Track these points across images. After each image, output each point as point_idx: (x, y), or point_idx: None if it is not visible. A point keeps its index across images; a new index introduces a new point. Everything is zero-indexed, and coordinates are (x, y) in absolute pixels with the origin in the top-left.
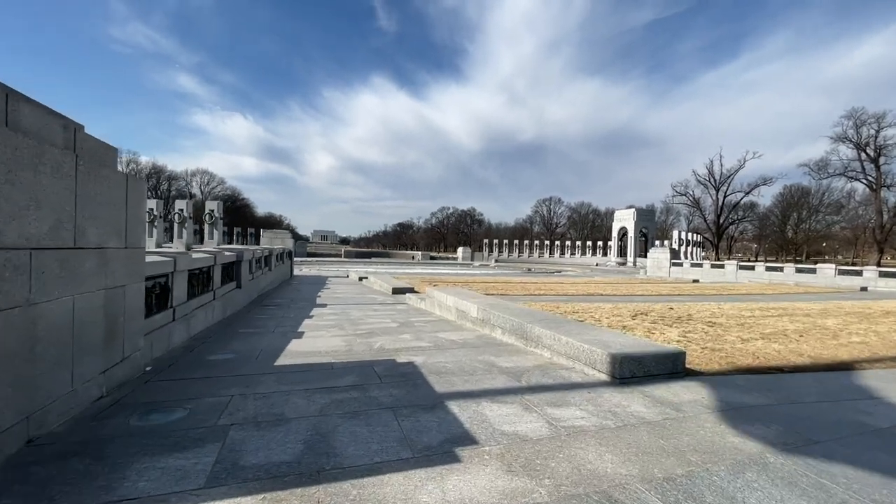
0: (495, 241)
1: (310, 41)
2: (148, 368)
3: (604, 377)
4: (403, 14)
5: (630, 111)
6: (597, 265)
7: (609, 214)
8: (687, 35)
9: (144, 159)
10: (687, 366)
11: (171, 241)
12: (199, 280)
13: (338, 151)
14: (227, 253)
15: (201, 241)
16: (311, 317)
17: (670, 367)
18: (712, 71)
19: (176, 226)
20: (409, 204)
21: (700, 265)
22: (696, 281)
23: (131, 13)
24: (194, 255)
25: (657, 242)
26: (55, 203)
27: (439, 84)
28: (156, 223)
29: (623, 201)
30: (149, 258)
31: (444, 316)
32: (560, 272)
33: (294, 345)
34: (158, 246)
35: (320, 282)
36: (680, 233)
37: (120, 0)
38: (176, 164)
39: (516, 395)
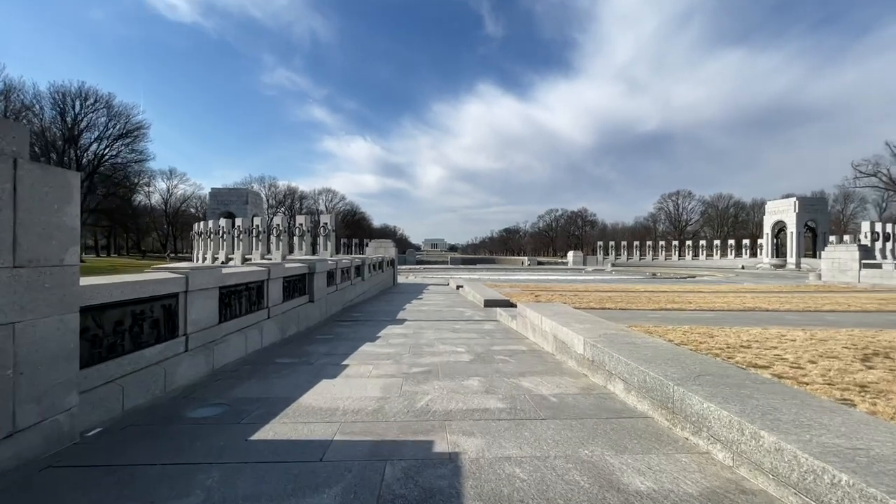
0: (611, 242)
1: (420, 61)
2: (94, 431)
3: None
4: (510, 17)
5: (786, 81)
6: (742, 268)
7: (758, 207)
8: None
9: (281, 183)
10: None
11: (293, 253)
12: (245, 297)
13: (446, 162)
14: (290, 265)
15: (314, 252)
16: (375, 339)
17: None
18: None
19: (274, 239)
20: (517, 208)
21: None
22: None
23: (278, 61)
24: (227, 270)
25: (831, 238)
26: None
27: (546, 82)
28: (281, 237)
29: (775, 190)
30: (145, 276)
31: (539, 344)
32: (694, 277)
33: (315, 392)
34: (283, 258)
35: (418, 290)
36: (873, 224)
37: (270, 52)
38: (310, 185)
39: None
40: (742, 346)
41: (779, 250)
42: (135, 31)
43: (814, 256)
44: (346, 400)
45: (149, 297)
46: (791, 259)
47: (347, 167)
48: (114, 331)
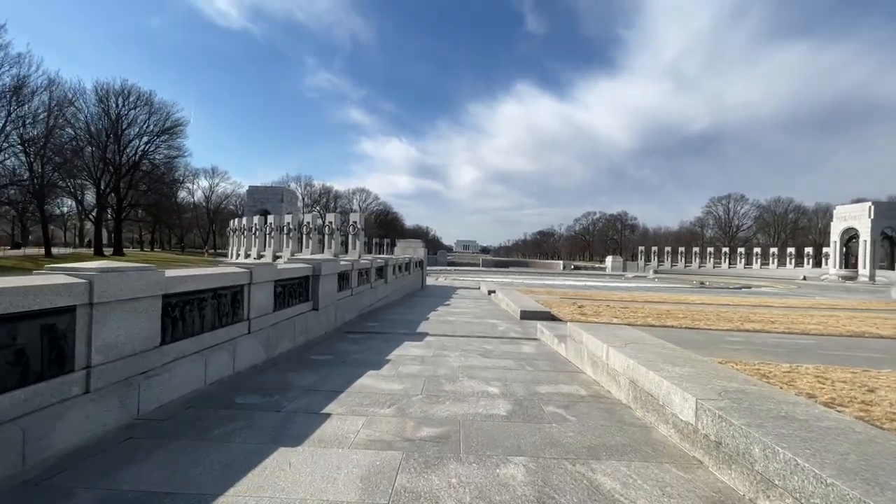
0: (653, 248)
1: (458, 61)
2: None
3: None
4: (553, 13)
5: (858, 75)
6: (804, 279)
7: (822, 213)
8: None
9: (317, 182)
10: None
11: (323, 251)
12: (210, 308)
13: (481, 163)
14: (284, 266)
15: (346, 251)
16: (382, 366)
17: None
18: None
19: (304, 237)
20: (552, 211)
21: None
22: None
23: (319, 63)
24: (175, 273)
25: None
26: None
27: (586, 80)
28: (311, 235)
29: (841, 195)
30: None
31: (603, 386)
32: (750, 288)
33: (248, 485)
34: (294, 255)
35: (446, 295)
36: None
37: (311, 54)
38: (346, 185)
39: None
40: None
41: (847, 261)
42: (188, 37)
43: (890, 268)
44: None
45: (6, 316)
46: (864, 270)
47: (383, 168)
48: None
